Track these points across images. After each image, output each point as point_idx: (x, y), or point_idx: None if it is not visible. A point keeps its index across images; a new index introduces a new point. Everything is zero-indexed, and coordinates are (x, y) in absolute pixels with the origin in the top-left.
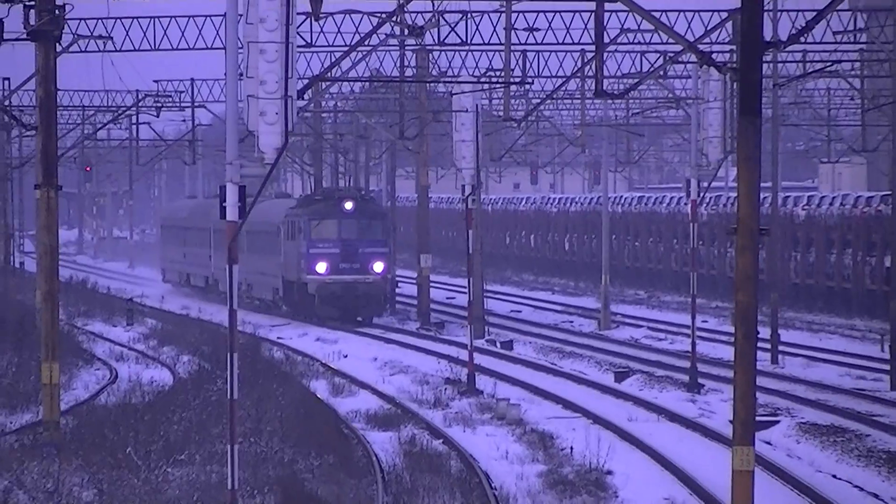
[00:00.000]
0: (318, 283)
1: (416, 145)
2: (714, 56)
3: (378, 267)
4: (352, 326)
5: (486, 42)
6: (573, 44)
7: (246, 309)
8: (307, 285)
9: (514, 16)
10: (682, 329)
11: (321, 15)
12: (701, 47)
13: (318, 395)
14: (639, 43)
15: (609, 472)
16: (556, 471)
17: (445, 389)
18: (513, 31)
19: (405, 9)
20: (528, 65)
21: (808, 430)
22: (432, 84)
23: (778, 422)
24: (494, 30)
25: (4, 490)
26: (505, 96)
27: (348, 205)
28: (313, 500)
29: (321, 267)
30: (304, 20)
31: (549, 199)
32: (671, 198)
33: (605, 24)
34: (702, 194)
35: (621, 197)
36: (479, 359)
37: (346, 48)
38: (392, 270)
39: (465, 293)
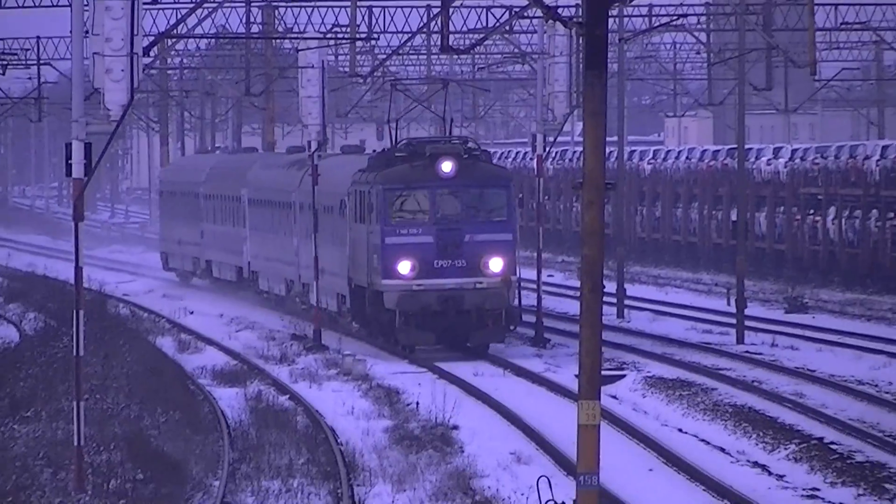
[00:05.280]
0: (400, 291)
1: (262, 102)
2: (560, 11)
3: (496, 265)
4: (454, 354)
5: None
6: None
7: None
8: (383, 295)
9: None
10: (528, 284)
11: None
12: (547, 2)
13: (165, 352)
14: None
15: (455, 427)
16: (403, 426)
17: (292, 345)
18: None
19: None
20: (374, 20)
21: (654, 384)
22: (278, 40)
23: (624, 376)
24: None
25: None
26: (351, 52)
27: (447, 165)
28: (160, 457)
29: (404, 266)
30: None
31: None
32: (517, 153)
33: None
34: (548, 149)
35: None
36: (327, 314)
37: (192, 5)
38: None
39: None
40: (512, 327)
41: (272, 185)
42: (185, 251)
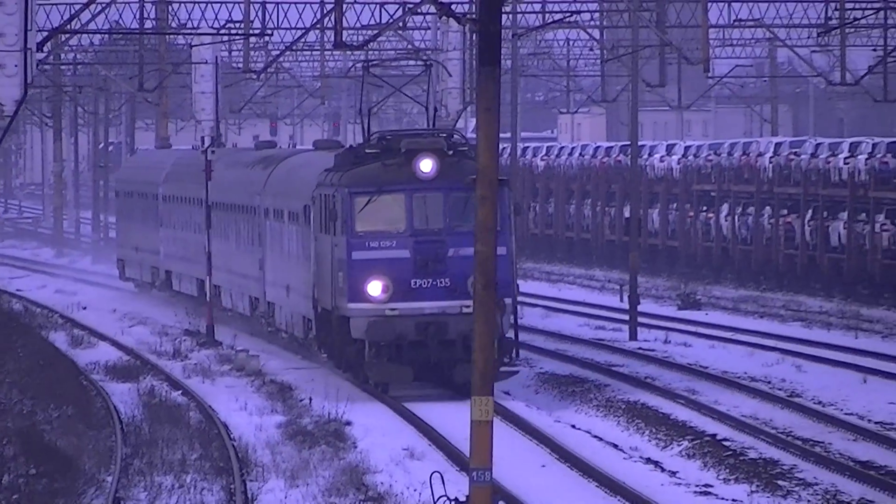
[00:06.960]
0: (370, 317)
1: (155, 97)
2: (453, 7)
3: None
4: (436, 392)
5: None
6: None
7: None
8: (349, 321)
9: None
10: None
11: None
12: None
13: (58, 347)
14: None
15: (348, 423)
16: (296, 422)
17: (185, 341)
18: None
19: None
20: (267, 16)
21: (547, 381)
22: (172, 36)
23: (517, 372)
24: None
25: None
26: (245, 48)
27: (426, 164)
28: (53, 452)
29: (375, 287)
30: None
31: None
32: None
33: None
34: None
35: None
36: (221, 311)
37: (85, 0)
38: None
39: None
40: (507, 360)
41: (235, 186)
42: (143, 259)
